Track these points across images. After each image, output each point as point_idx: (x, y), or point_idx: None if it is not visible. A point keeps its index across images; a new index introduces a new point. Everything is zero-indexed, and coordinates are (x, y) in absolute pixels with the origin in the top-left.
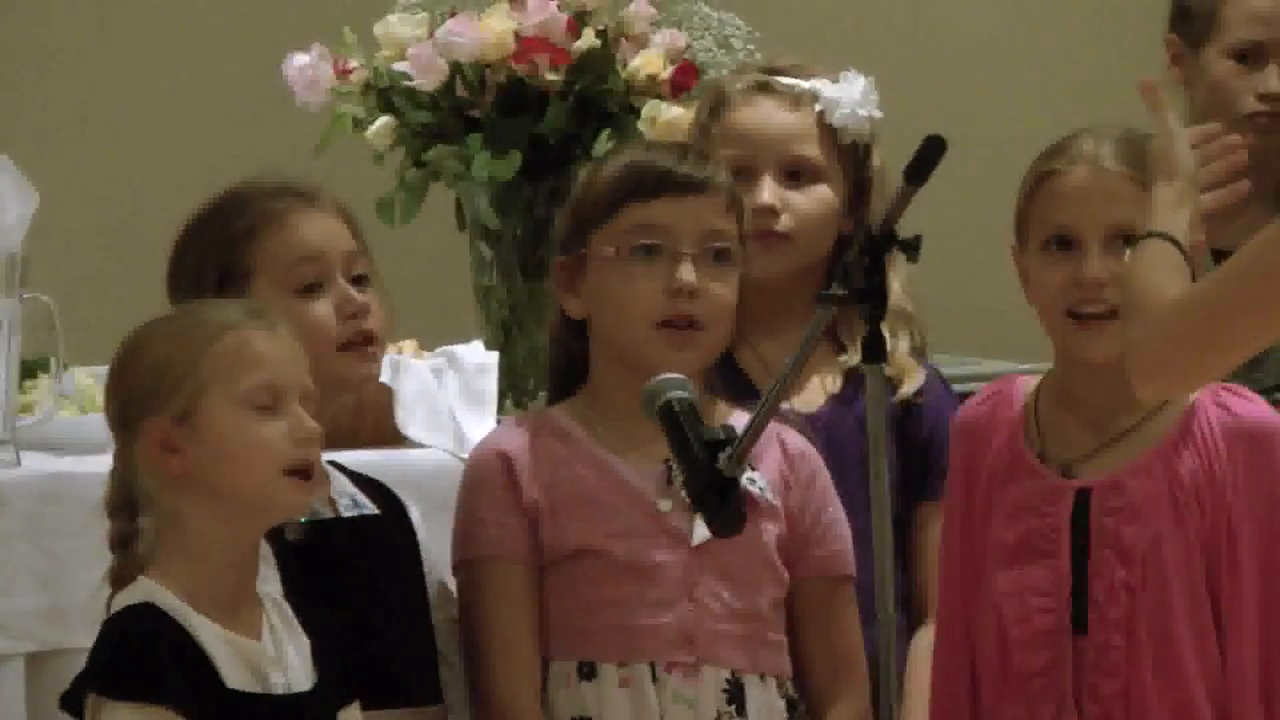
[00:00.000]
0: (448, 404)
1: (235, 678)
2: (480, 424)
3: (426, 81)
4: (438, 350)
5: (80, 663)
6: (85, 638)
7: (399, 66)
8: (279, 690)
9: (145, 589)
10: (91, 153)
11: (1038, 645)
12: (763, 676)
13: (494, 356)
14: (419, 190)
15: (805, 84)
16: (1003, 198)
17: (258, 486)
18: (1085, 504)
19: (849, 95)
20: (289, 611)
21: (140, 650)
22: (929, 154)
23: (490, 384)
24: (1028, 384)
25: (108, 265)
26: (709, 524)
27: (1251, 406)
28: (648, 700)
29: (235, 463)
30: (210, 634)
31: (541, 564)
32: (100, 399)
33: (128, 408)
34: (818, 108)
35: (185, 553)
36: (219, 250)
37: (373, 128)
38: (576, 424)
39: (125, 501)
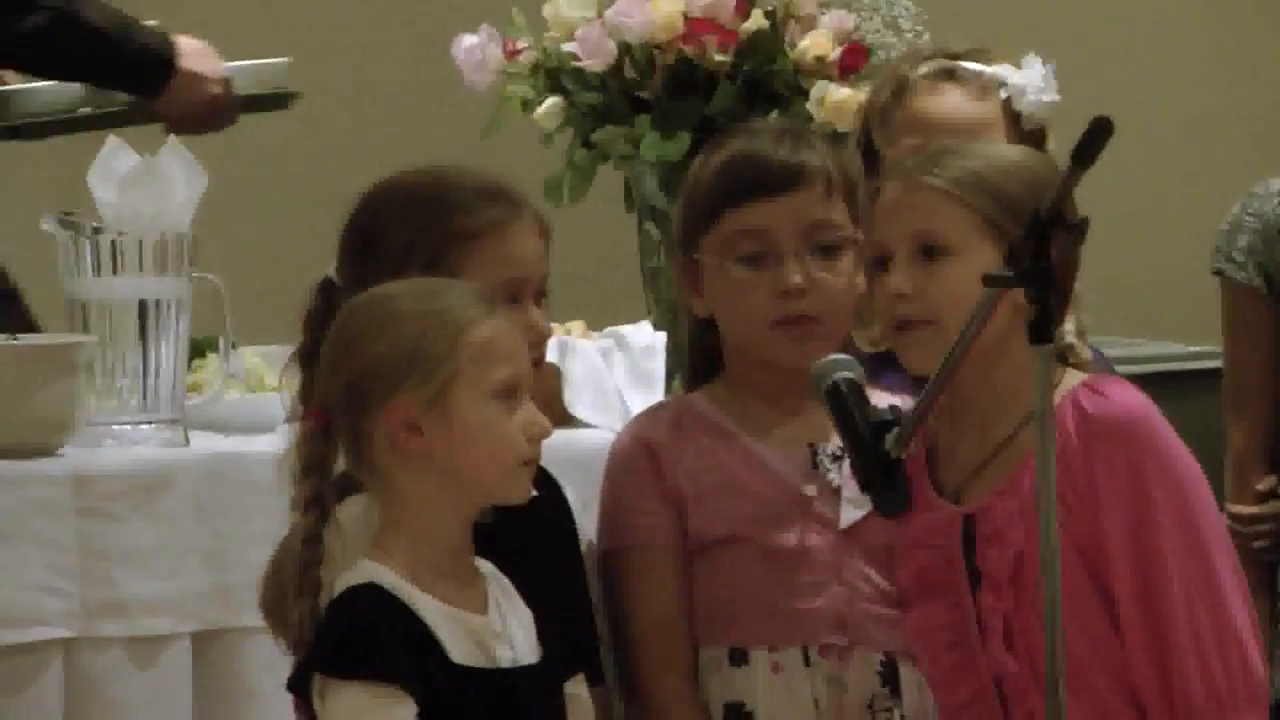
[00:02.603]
0: (615, 385)
1: (461, 653)
2: (648, 405)
3: (595, 62)
4: (606, 331)
5: (247, 643)
6: (251, 617)
7: (567, 47)
8: (505, 664)
9: (367, 569)
10: (260, 134)
11: (954, 682)
12: (913, 657)
13: (661, 337)
14: (587, 171)
15: (990, 70)
16: (1168, 178)
17: (496, 477)
18: (974, 529)
19: (1032, 81)
20: (509, 585)
21: (366, 629)
22: (1096, 135)
23: (658, 365)
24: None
25: (276, 246)
26: (875, 504)
27: (1104, 402)
28: (801, 684)
29: (479, 452)
30: (434, 610)
31: (689, 550)
32: (269, 379)
33: (370, 382)
34: (1003, 94)
35: (407, 530)
36: (435, 240)
37: (541, 108)
38: (718, 411)
39: (320, 463)
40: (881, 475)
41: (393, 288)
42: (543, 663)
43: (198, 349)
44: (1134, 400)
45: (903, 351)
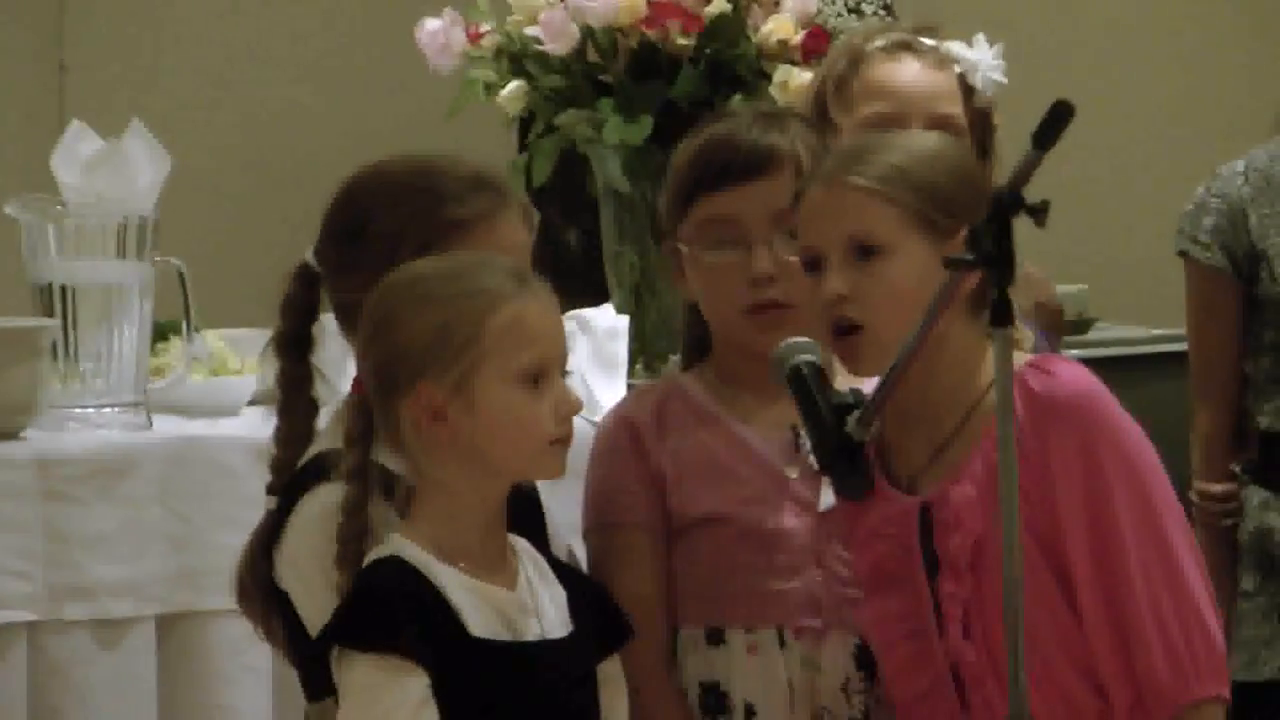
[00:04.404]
0: (579, 368)
1: (482, 627)
2: (611, 388)
3: (558, 46)
4: (569, 314)
5: (211, 625)
6: (215, 600)
7: (531, 31)
8: (532, 638)
9: (394, 543)
10: (223, 117)
11: (912, 670)
12: None
13: (625, 320)
14: (550, 154)
15: (944, 45)
16: (1130, 162)
17: (524, 460)
18: (931, 518)
19: (985, 58)
20: (544, 563)
21: (379, 601)
22: (1057, 119)
23: (621, 348)
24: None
25: (239, 229)
26: (836, 488)
27: (1051, 381)
28: (776, 665)
29: (505, 438)
30: (456, 584)
31: (670, 530)
32: (231, 362)
33: (396, 367)
34: (958, 69)
35: (435, 507)
36: (425, 228)
37: (504, 92)
38: (704, 392)
39: (364, 435)
40: (843, 458)
41: (425, 267)
42: (571, 638)
43: (160, 332)
44: (1081, 378)
45: (848, 359)
